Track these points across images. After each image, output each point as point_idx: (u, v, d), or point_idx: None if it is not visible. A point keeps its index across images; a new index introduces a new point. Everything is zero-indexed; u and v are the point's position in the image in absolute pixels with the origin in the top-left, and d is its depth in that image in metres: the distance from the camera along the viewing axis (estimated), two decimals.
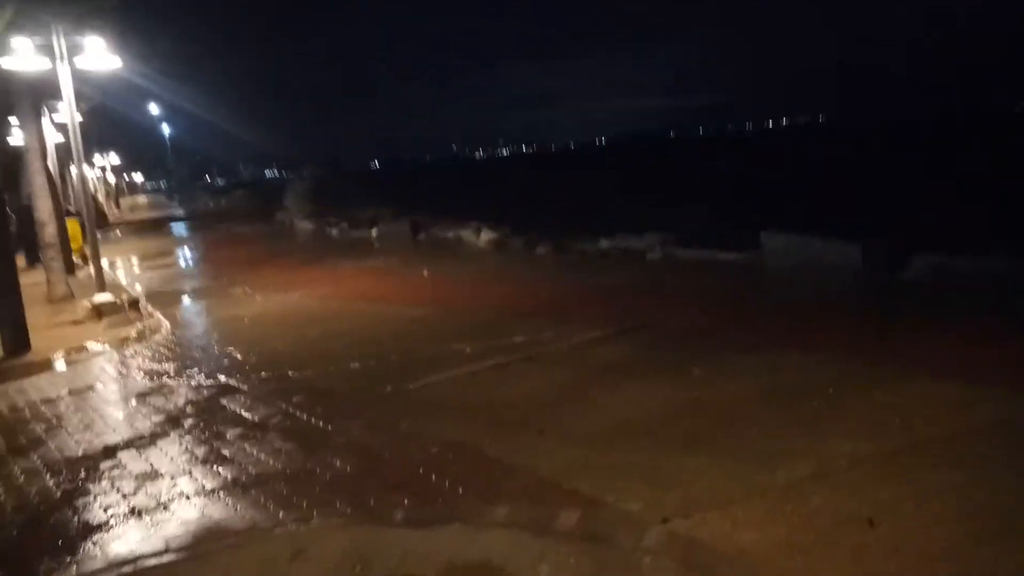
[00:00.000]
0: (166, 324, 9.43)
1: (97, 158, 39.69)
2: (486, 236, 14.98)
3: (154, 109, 51.33)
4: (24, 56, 9.86)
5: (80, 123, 11.17)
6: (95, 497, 4.35)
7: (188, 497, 4.21)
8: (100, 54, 10.20)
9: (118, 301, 10.29)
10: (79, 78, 12.05)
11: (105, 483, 4.55)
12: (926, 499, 3.41)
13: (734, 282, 9.10)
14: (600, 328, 7.01)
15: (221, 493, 4.22)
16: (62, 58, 9.94)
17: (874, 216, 15.70)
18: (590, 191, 34.09)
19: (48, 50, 10.00)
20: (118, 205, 46.00)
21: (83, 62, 10.23)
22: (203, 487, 4.33)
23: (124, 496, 4.32)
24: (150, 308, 10.62)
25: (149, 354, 7.98)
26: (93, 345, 8.60)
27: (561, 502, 3.71)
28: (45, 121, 15.90)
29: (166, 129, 61.30)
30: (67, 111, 10.42)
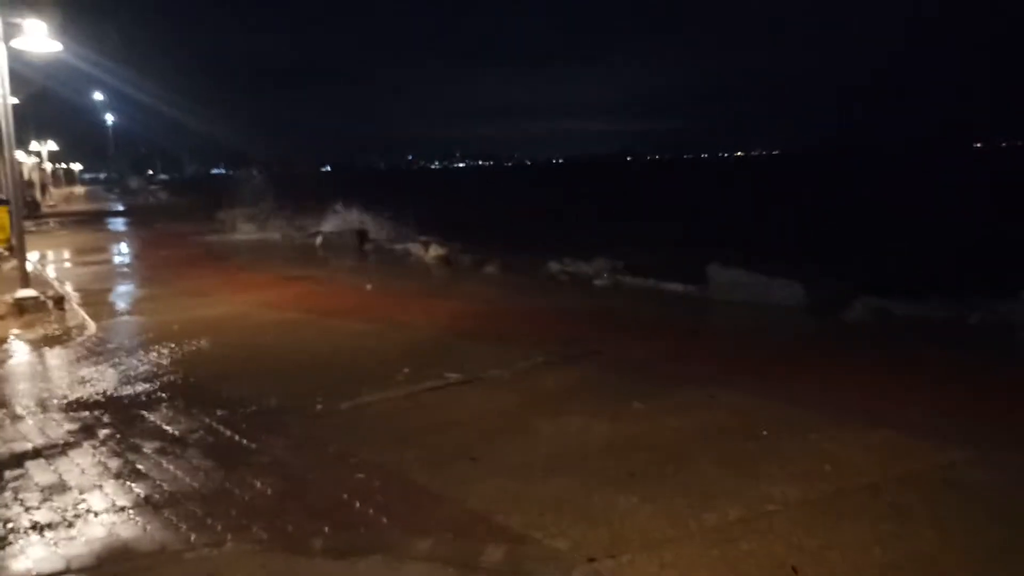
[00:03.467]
0: (92, 325, 9.03)
1: (33, 144, 38.27)
2: (434, 251, 14.84)
3: (98, 96, 49.84)
4: None
5: (15, 106, 10.68)
6: None
7: (96, 514, 3.98)
8: (40, 37, 9.79)
9: (42, 298, 9.82)
10: (18, 60, 11.56)
11: (8, 494, 4.26)
12: (851, 548, 3.42)
13: (680, 314, 9.17)
14: (543, 354, 6.94)
15: (132, 512, 4.00)
16: None
17: (821, 254, 16.11)
18: (543, 211, 34.25)
19: None
20: (44, 193, 44.12)
21: (20, 44, 9.79)
22: (113, 504, 4.10)
23: (27, 509, 4.06)
24: (76, 307, 10.17)
25: (71, 356, 7.60)
26: (10, 344, 8.17)
27: (488, 536, 3.62)
28: None
29: (109, 118, 59.50)
30: None
